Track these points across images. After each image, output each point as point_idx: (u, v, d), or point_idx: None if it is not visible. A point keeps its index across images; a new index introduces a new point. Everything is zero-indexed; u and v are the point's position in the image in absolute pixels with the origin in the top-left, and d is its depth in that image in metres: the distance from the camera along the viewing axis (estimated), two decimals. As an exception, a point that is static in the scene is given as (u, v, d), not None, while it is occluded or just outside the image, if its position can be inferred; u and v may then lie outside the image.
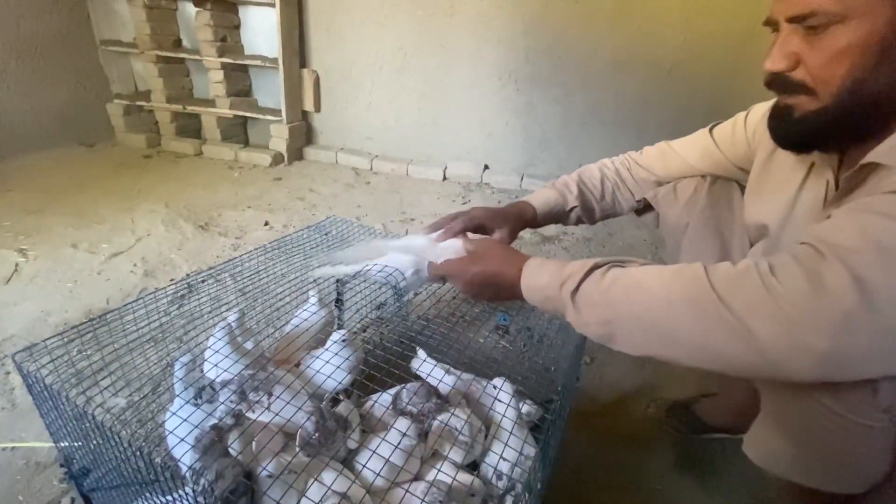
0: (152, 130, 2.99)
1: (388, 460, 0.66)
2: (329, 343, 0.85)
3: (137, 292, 1.51)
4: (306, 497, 0.63)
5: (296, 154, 2.93)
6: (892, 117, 0.58)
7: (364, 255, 0.86)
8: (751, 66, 2.01)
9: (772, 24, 0.63)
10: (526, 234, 2.10)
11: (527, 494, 0.67)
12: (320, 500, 0.61)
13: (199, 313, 0.92)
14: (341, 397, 0.81)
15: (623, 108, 2.55)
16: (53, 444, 0.86)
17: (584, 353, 1.21)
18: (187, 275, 1.62)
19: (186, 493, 0.58)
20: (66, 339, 0.74)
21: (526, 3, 2.44)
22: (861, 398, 0.58)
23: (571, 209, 1.00)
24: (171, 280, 1.59)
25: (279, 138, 2.84)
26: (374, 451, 0.68)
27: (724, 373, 0.52)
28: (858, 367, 0.47)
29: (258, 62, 2.71)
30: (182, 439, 0.63)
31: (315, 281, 1.00)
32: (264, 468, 0.64)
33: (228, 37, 2.75)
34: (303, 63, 2.82)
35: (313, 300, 1.01)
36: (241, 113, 2.84)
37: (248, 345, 0.86)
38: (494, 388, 0.83)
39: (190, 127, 3.01)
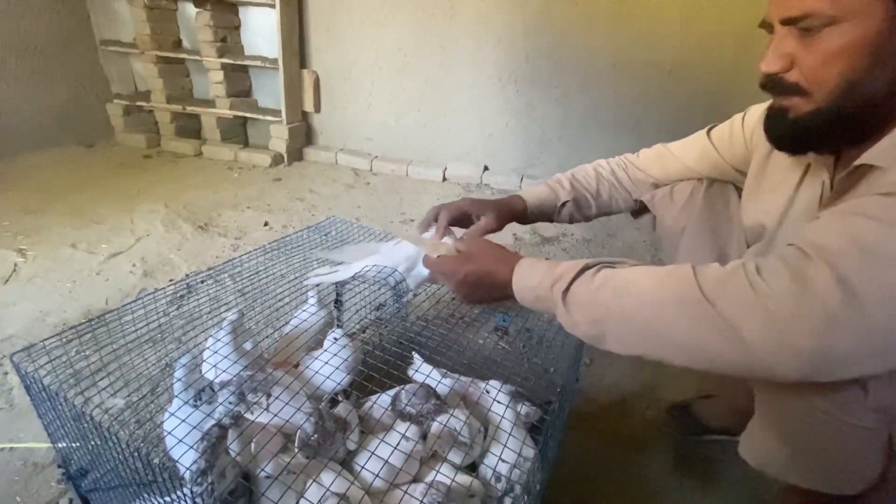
0: (152, 131, 2.99)
1: (387, 461, 0.66)
2: (326, 343, 0.85)
3: (136, 293, 1.51)
4: (305, 498, 0.63)
5: (295, 155, 2.93)
6: (887, 118, 0.58)
7: (359, 255, 0.86)
8: (751, 67, 2.01)
9: (767, 26, 0.64)
10: (526, 234, 2.10)
11: (526, 496, 0.67)
12: (319, 501, 0.61)
13: (198, 314, 0.92)
14: (340, 398, 0.81)
15: (623, 109, 2.55)
16: (51, 445, 0.85)
17: (584, 354, 1.21)
18: (186, 275, 1.61)
19: (185, 494, 0.58)
20: (64, 340, 0.74)
21: (526, 4, 2.44)
22: (851, 398, 0.59)
23: (563, 204, 1.00)
24: (171, 280, 1.59)
25: (279, 139, 2.84)
26: (372, 453, 0.68)
27: (713, 372, 0.53)
28: (844, 367, 0.48)
29: (258, 63, 2.71)
30: (181, 440, 0.63)
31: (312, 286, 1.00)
32: (263, 469, 0.64)
33: (228, 37, 2.75)
34: (303, 64, 2.82)
35: (312, 301, 1.01)
36: (240, 113, 2.84)
37: (247, 345, 0.86)
38: (492, 389, 0.83)
39: (190, 127, 3.01)
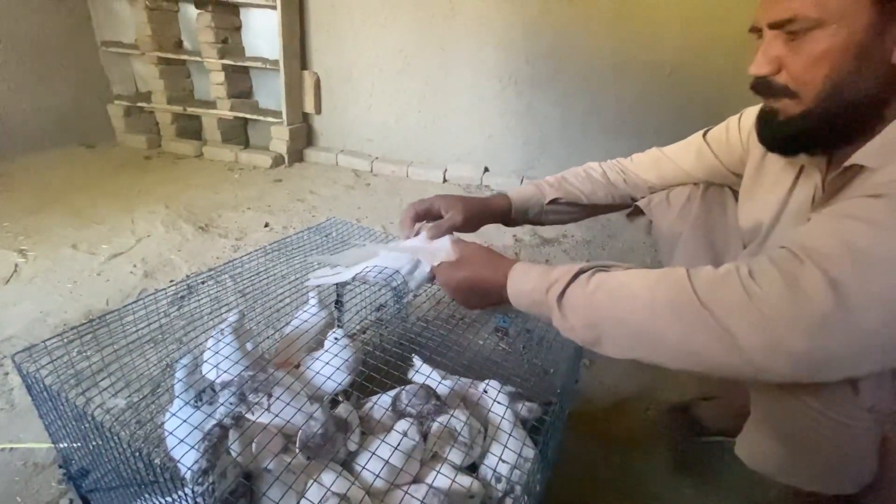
0: (153, 131, 3.00)
1: (387, 462, 0.66)
2: (327, 344, 0.85)
3: (137, 293, 1.51)
4: (305, 498, 0.63)
5: (296, 156, 2.93)
6: (876, 119, 0.59)
7: (358, 257, 0.86)
8: (750, 70, 2.02)
9: (755, 30, 0.65)
10: (526, 236, 2.10)
11: (526, 497, 0.67)
12: (319, 502, 0.61)
13: (198, 314, 0.92)
14: (340, 399, 0.81)
15: (623, 111, 2.55)
16: (52, 445, 0.85)
17: (584, 355, 1.21)
18: (187, 276, 1.62)
19: (186, 494, 0.58)
20: (65, 340, 0.74)
21: (526, 6, 2.45)
22: (844, 398, 0.60)
23: (551, 202, 0.99)
24: (171, 281, 1.59)
25: (279, 140, 2.84)
26: (373, 453, 0.68)
27: (707, 375, 0.53)
28: (836, 368, 0.48)
29: (259, 64, 2.71)
30: (182, 440, 0.63)
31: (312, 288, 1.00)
32: (265, 468, 0.64)
33: (229, 38, 2.75)
34: (303, 65, 2.83)
35: (313, 302, 1.01)
36: (241, 114, 2.85)
37: (248, 346, 0.86)
38: (491, 389, 0.83)
39: (190, 128, 3.01)
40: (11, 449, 0.98)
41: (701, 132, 0.95)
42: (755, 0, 0.65)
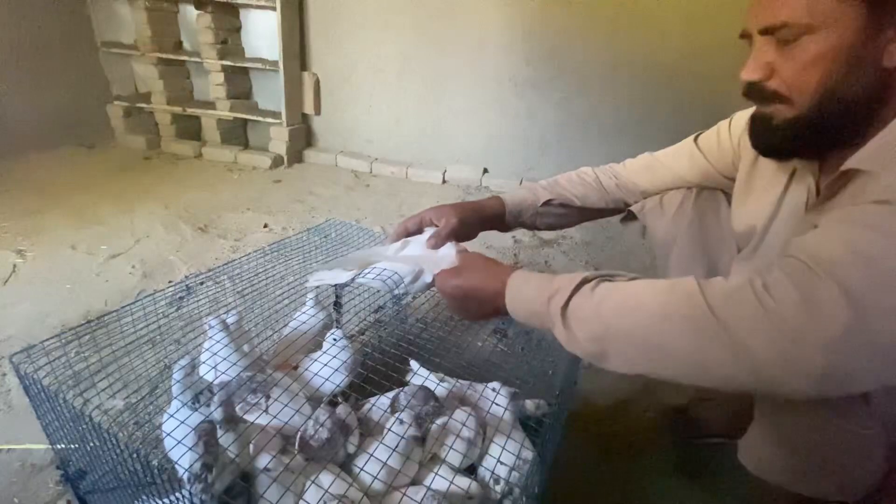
0: (152, 132, 2.99)
1: (385, 463, 0.66)
2: (325, 345, 0.85)
3: (136, 294, 1.51)
4: (303, 500, 0.63)
5: (295, 157, 2.93)
6: (868, 123, 0.59)
7: (360, 264, 0.85)
8: (749, 72, 2.02)
9: (746, 36, 0.65)
10: (525, 237, 2.10)
11: (524, 498, 0.67)
12: (318, 503, 0.61)
13: (197, 315, 0.92)
14: (339, 400, 0.81)
15: (622, 113, 2.56)
16: (50, 446, 0.85)
17: (583, 357, 1.20)
18: (186, 277, 1.61)
19: (183, 496, 0.58)
20: (63, 341, 0.74)
21: (526, 9, 2.45)
22: (854, 406, 0.59)
23: (544, 204, 0.99)
24: (170, 282, 1.59)
25: (279, 141, 2.84)
26: (371, 455, 0.68)
27: (719, 389, 0.52)
28: (854, 383, 0.47)
29: (259, 65, 2.71)
30: (179, 441, 0.63)
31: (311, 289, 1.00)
32: (263, 469, 0.64)
33: (229, 39, 2.75)
34: (303, 66, 2.83)
35: (310, 303, 1.01)
36: (241, 115, 2.85)
37: (245, 348, 0.86)
38: (493, 391, 0.83)
39: (190, 129, 3.01)
40: (9, 450, 0.98)
41: (692, 137, 0.96)
42: (747, 4, 0.65)
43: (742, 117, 0.86)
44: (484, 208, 0.95)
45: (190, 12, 2.77)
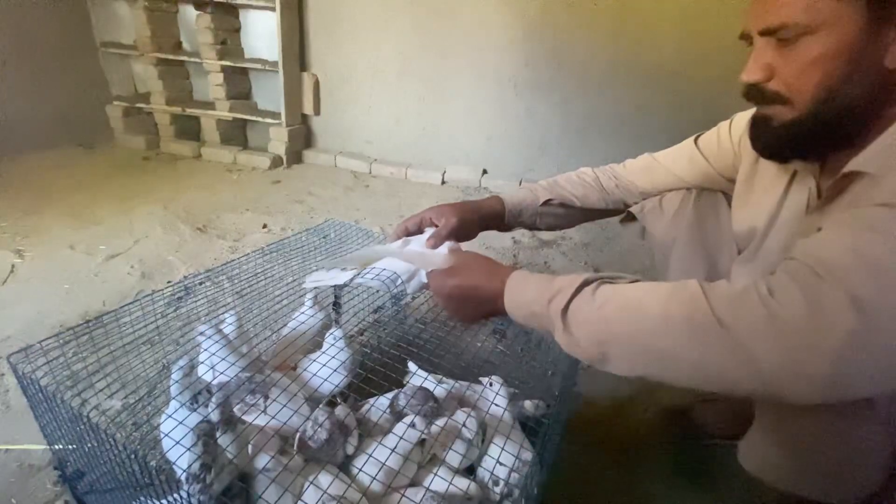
0: (151, 132, 2.99)
1: (384, 464, 0.66)
2: (325, 344, 0.85)
3: (134, 294, 1.51)
4: (302, 500, 0.63)
5: (295, 157, 2.93)
6: (869, 125, 0.58)
7: (359, 262, 0.85)
8: (749, 73, 2.03)
9: (746, 37, 0.65)
10: (525, 238, 2.10)
11: (523, 499, 0.67)
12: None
13: (196, 316, 0.92)
14: (338, 401, 0.81)
15: (621, 114, 2.56)
16: (48, 447, 0.85)
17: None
18: (185, 277, 1.61)
19: (181, 497, 0.58)
20: (61, 341, 0.74)
21: (525, 10, 2.45)
22: (857, 410, 0.59)
23: (543, 204, 0.99)
24: (169, 282, 1.59)
25: (278, 141, 2.84)
26: (370, 455, 0.68)
27: (722, 393, 0.52)
28: (859, 389, 0.47)
29: (258, 65, 2.71)
30: (178, 442, 0.63)
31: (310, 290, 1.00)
32: (262, 471, 0.64)
33: (229, 40, 2.75)
34: (303, 66, 2.83)
35: (310, 303, 1.01)
36: (240, 116, 2.85)
37: (243, 348, 0.86)
38: (490, 385, 0.83)
39: (189, 129, 3.01)
40: (7, 450, 0.97)
41: (692, 137, 0.96)
42: (747, 5, 0.65)
43: (742, 118, 0.86)
44: (484, 208, 0.95)
45: (189, 13, 2.77)
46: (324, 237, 1.16)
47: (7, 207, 2.02)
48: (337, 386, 0.82)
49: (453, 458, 0.71)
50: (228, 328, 0.88)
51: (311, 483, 0.65)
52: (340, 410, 0.74)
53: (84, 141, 2.86)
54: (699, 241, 0.92)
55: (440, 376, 0.91)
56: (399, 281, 0.77)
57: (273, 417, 0.70)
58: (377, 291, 1.04)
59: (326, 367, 0.81)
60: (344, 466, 0.71)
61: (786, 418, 0.66)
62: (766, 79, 0.62)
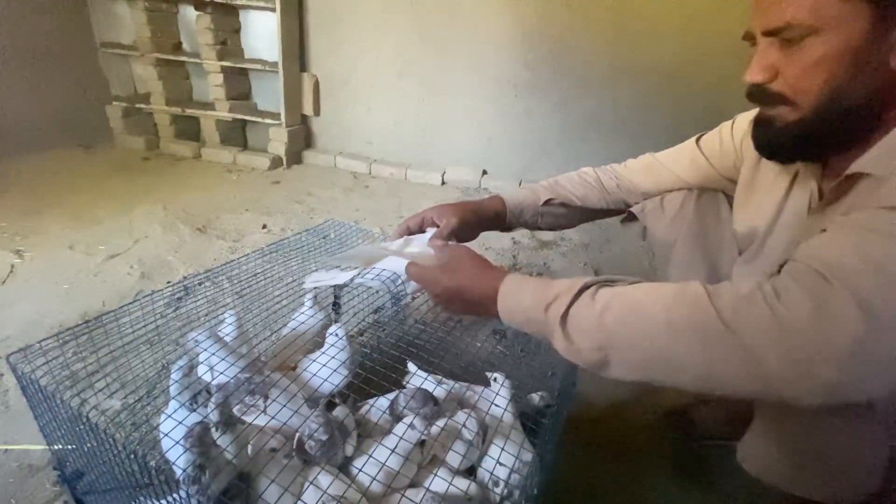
0: (151, 133, 2.99)
1: (384, 464, 0.66)
2: (327, 342, 0.85)
3: (134, 294, 1.51)
4: (301, 501, 0.63)
5: (294, 158, 2.93)
6: (873, 126, 0.58)
7: (360, 259, 0.85)
8: (748, 74, 2.03)
9: (749, 38, 0.64)
10: (524, 238, 2.10)
11: (523, 500, 0.67)
12: (316, 505, 0.61)
13: (195, 316, 0.92)
14: (338, 401, 0.81)
15: (621, 115, 2.56)
16: (47, 447, 0.85)
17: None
18: (184, 277, 1.61)
19: (181, 497, 0.58)
20: (61, 341, 0.74)
21: (525, 11, 2.46)
22: (858, 411, 0.59)
23: (544, 203, 0.99)
24: (168, 282, 1.59)
25: (278, 142, 2.84)
26: (370, 456, 0.68)
27: (727, 397, 0.51)
28: (866, 392, 0.46)
29: (258, 66, 2.71)
30: (177, 442, 0.63)
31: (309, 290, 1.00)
32: (261, 472, 0.64)
33: (229, 40, 2.75)
34: (302, 67, 2.83)
35: (310, 303, 1.01)
36: (240, 116, 2.85)
37: (243, 349, 0.86)
38: (495, 381, 0.83)
39: (189, 130, 3.01)
40: (6, 450, 0.97)
41: (694, 138, 0.95)
42: (750, 5, 0.65)
43: (744, 119, 0.86)
44: (485, 208, 0.95)
45: (189, 13, 2.78)
46: (323, 238, 1.16)
47: (7, 207, 2.02)
48: (337, 386, 0.82)
49: (453, 459, 0.71)
50: (228, 328, 0.88)
51: (311, 483, 0.65)
52: (340, 411, 0.74)
53: (84, 141, 2.86)
54: (700, 241, 0.92)
55: (440, 377, 0.91)
56: (399, 281, 0.77)
57: (273, 417, 0.70)
58: (377, 291, 1.04)
59: (326, 368, 0.81)
60: (344, 467, 0.71)
61: (785, 418, 0.66)
62: (770, 79, 0.62)
